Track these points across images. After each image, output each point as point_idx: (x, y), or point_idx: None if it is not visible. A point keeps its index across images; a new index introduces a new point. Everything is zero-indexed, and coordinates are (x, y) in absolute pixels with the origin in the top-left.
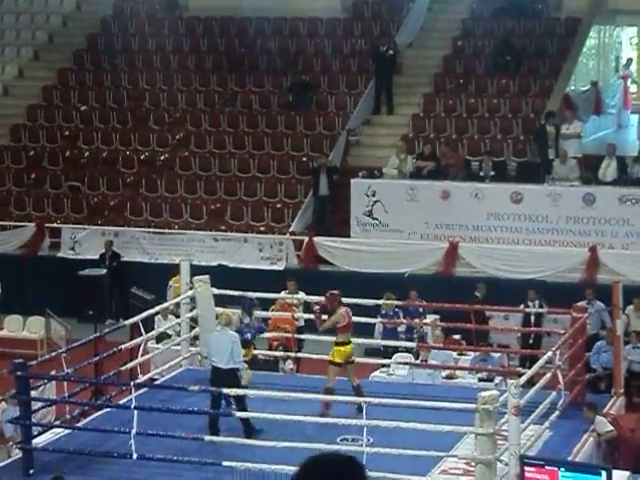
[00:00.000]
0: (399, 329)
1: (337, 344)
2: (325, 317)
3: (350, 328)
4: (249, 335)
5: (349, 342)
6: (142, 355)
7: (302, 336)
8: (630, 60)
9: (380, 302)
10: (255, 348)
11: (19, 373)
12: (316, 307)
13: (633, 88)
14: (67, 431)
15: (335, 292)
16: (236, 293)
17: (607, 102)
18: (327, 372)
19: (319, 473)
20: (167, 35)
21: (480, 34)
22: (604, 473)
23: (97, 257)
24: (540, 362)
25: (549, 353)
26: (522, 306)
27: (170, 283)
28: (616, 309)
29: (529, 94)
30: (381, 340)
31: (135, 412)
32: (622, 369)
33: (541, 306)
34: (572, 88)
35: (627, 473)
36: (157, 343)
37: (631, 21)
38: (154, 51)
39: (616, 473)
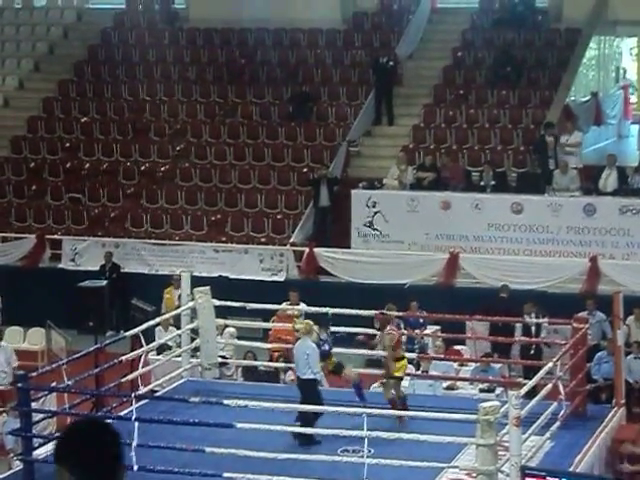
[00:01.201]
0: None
1: (396, 359)
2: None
3: (401, 344)
4: (327, 347)
5: (404, 357)
6: (143, 366)
7: None
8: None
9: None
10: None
11: (20, 385)
12: (361, 337)
13: (633, 98)
14: None
15: (385, 312)
16: (237, 304)
17: (607, 112)
18: (385, 386)
19: (77, 438)
20: (167, 46)
21: (480, 45)
22: None
23: (97, 268)
24: (541, 373)
25: (550, 364)
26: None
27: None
28: (617, 320)
29: (529, 105)
30: (382, 351)
31: (136, 424)
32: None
33: (538, 317)
34: (572, 99)
35: None
36: (158, 354)
37: (631, 31)
38: (154, 62)
39: None
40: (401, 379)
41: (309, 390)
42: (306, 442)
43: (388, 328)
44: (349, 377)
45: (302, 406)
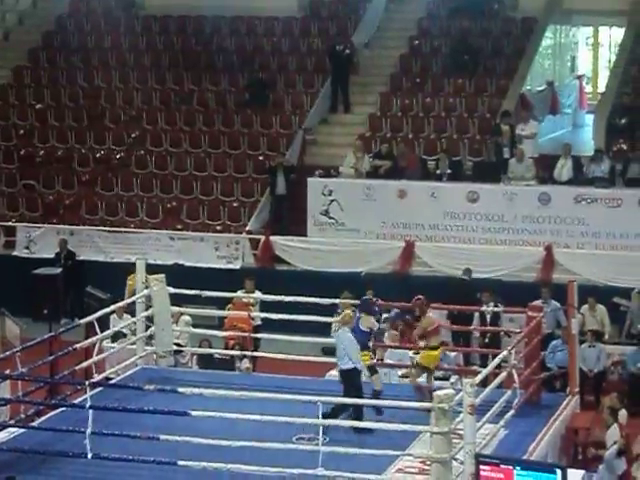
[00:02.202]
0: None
1: (430, 348)
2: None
3: (440, 331)
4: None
5: (439, 346)
6: (97, 354)
7: (258, 335)
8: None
9: (336, 301)
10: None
11: None
12: (406, 317)
13: (589, 88)
14: (21, 430)
15: (421, 297)
16: (192, 292)
17: (563, 102)
18: (410, 373)
19: None
20: (123, 33)
21: (436, 33)
22: (559, 472)
23: (52, 256)
24: (495, 361)
25: (504, 352)
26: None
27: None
28: (571, 308)
29: (485, 94)
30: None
31: (90, 411)
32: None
33: (497, 306)
34: (528, 88)
35: (582, 471)
36: (112, 342)
37: (587, 21)
38: (110, 49)
39: (571, 471)
40: (429, 369)
41: (349, 380)
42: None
43: (430, 313)
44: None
45: (256, 394)
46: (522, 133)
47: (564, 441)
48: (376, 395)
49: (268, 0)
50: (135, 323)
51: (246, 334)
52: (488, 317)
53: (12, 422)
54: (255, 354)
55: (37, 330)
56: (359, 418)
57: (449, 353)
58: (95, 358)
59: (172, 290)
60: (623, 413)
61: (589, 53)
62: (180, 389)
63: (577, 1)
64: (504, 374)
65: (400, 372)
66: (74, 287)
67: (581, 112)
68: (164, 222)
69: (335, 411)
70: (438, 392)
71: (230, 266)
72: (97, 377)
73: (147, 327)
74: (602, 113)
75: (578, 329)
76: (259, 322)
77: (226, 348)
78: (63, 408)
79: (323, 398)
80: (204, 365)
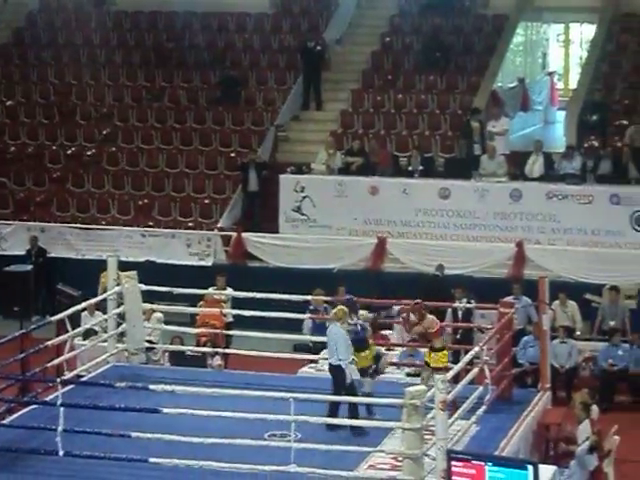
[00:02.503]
0: (327, 324)
1: (434, 350)
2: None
3: (443, 333)
4: (360, 333)
5: (444, 347)
6: (68, 352)
7: (230, 332)
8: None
9: (309, 298)
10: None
11: None
12: (403, 314)
13: (560, 85)
14: None
15: (419, 301)
16: (164, 289)
17: (534, 99)
18: (422, 375)
19: None
20: (94, 29)
21: (408, 30)
22: (530, 467)
23: (23, 253)
24: (467, 357)
25: (476, 348)
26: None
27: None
28: (542, 304)
29: (457, 90)
30: (310, 336)
31: (61, 409)
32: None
33: (469, 302)
34: (499, 84)
35: (553, 467)
36: (84, 340)
37: (558, 18)
38: (81, 46)
39: (542, 467)
40: (442, 369)
41: (335, 377)
42: (359, 432)
43: (431, 317)
44: (381, 371)
45: (228, 391)
46: (493, 130)
47: (536, 437)
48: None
49: None
50: (106, 320)
51: (218, 331)
52: (460, 313)
53: None
54: (227, 351)
55: (8, 327)
56: (355, 416)
57: (421, 349)
58: (66, 355)
59: (144, 287)
60: (595, 409)
61: (560, 50)
62: (152, 386)
63: None
64: (476, 370)
65: (406, 370)
66: (45, 284)
67: (552, 109)
68: (135, 219)
69: (331, 410)
70: (410, 388)
71: (202, 263)
72: (68, 375)
73: (118, 324)
74: (573, 110)
75: (549, 325)
76: (231, 319)
77: (198, 345)
78: (34, 406)
79: (295, 395)
80: (176, 362)
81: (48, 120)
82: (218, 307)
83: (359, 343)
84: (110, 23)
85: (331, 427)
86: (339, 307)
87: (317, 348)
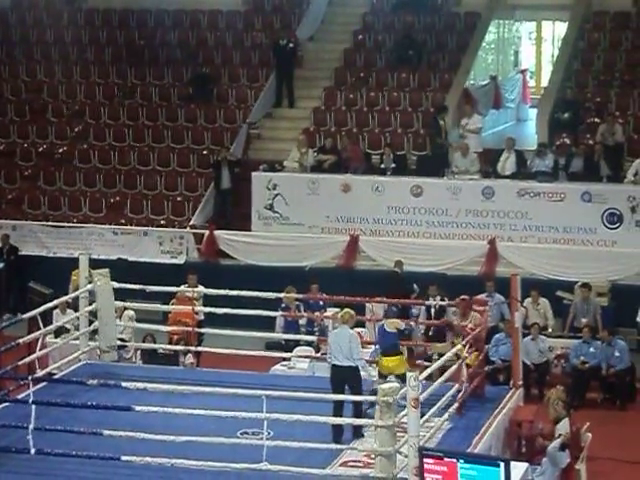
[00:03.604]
0: (300, 322)
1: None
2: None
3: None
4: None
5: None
6: (40, 349)
7: (202, 330)
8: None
9: (281, 295)
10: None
11: None
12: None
13: (532, 82)
14: None
15: (466, 297)
16: (136, 287)
17: (506, 96)
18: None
19: None
20: (66, 27)
21: (380, 28)
22: (502, 464)
23: None
24: (446, 356)
25: (458, 346)
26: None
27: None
28: (514, 302)
29: (429, 88)
30: (282, 334)
31: (33, 407)
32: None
33: (443, 300)
34: (471, 82)
35: (525, 464)
36: (55, 337)
37: (530, 16)
38: (53, 43)
39: (514, 464)
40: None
41: (349, 378)
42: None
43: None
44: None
45: (200, 389)
46: (467, 127)
47: (508, 434)
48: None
49: None
50: (78, 318)
51: (190, 329)
52: (433, 311)
53: None
54: (199, 349)
55: None
56: (358, 415)
57: None
58: (38, 353)
59: (116, 285)
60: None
61: (532, 48)
62: (124, 384)
63: None
64: (454, 368)
65: None
66: (17, 282)
67: (524, 106)
68: (107, 217)
69: (336, 410)
70: (382, 386)
71: (174, 261)
72: (40, 372)
73: (90, 322)
74: (545, 107)
75: (521, 322)
76: (202, 317)
77: (170, 343)
78: (6, 403)
79: (267, 392)
80: (148, 360)
81: (19, 117)
82: (190, 305)
83: (394, 348)
84: (82, 20)
85: (336, 428)
86: (345, 310)
87: (289, 346)
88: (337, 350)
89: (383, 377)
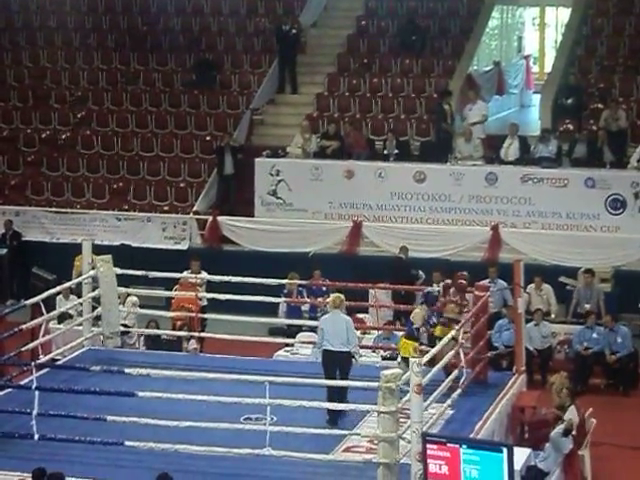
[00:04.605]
0: (303, 308)
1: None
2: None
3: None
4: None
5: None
6: (43, 335)
7: (205, 315)
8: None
9: (284, 281)
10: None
11: None
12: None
13: (535, 68)
14: None
15: (463, 273)
16: (139, 273)
17: (509, 82)
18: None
19: None
20: (69, 13)
21: (384, 14)
22: (505, 450)
23: None
24: (443, 341)
25: (453, 331)
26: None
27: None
28: (517, 287)
29: (432, 74)
30: (285, 319)
31: (36, 392)
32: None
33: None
34: (475, 68)
35: (528, 450)
36: (59, 323)
37: (533, 1)
38: (56, 29)
39: (517, 450)
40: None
41: (342, 362)
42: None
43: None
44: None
45: (203, 374)
46: (470, 114)
47: (510, 420)
48: None
49: None
50: (81, 304)
51: (193, 315)
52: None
53: None
54: (202, 335)
55: None
56: (343, 400)
57: (396, 332)
58: (41, 339)
59: (119, 271)
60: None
61: (536, 33)
62: (127, 370)
63: None
64: (452, 353)
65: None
66: (20, 268)
67: (528, 92)
68: (110, 202)
69: (330, 396)
70: (385, 372)
71: (177, 247)
72: (43, 358)
73: (94, 308)
74: (548, 93)
75: (524, 308)
76: (206, 303)
77: (173, 329)
78: (9, 389)
79: (270, 378)
80: (151, 346)
81: (22, 103)
82: (193, 291)
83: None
84: (85, 6)
85: (332, 413)
86: (336, 294)
87: (292, 332)
88: (333, 336)
89: (405, 360)
